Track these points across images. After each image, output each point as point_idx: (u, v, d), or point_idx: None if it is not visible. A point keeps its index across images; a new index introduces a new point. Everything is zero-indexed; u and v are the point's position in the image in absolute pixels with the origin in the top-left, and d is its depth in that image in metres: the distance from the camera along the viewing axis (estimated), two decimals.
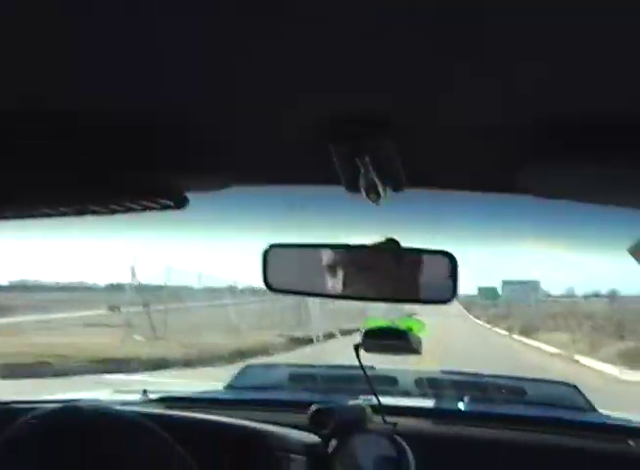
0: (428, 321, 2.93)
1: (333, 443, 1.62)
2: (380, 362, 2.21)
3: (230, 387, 2.43)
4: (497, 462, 1.74)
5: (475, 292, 37.03)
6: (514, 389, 2.36)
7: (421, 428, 1.86)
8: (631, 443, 1.78)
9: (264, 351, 12.90)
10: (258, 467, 1.62)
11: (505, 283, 34.68)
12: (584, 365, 14.86)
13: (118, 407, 1.82)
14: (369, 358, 1.72)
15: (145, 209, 1.24)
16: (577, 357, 15.88)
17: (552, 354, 17.12)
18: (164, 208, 1.25)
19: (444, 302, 1.31)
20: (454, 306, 34.18)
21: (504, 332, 25.75)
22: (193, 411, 1.92)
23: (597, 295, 42.47)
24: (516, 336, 23.85)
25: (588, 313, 27.57)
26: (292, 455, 1.60)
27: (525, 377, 2.57)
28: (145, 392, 2.22)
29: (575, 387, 2.37)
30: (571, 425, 1.95)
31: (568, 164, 0.98)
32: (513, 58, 0.73)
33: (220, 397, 2.23)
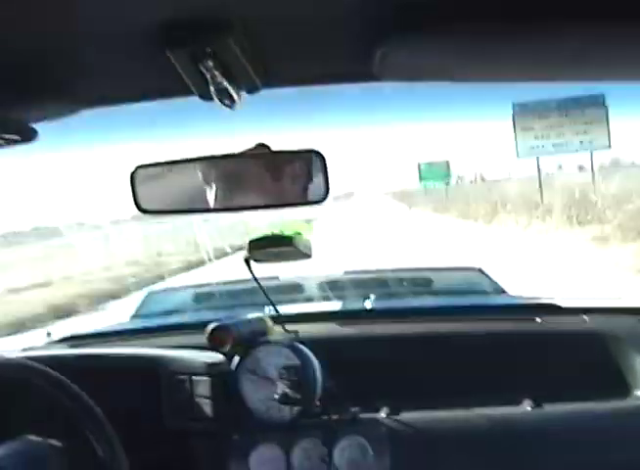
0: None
1: (236, 359, 1.61)
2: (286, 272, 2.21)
3: (135, 316, 2.40)
4: (407, 357, 1.75)
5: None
6: (419, 280, 2.40)
7: (325, 332, 1.87)
8: (539, 320, 1.83)
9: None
10: (163, 393, 1.61)
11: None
12: None
13: (19, 353, 1.77)
14: (275, 270, 1.71)
15: None
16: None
17: None
18: (12, 142, 1.16)
19: (319, 202, 1.28)
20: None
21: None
22: (97, 347, 1.89)
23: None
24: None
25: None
26: (195, 377, 1.60)
27: (429, 267, 2.61)
28: (49, 334, 2.16)
29: (480, 270, 2.42)
30: (478, 310, 1.98)
31: (424, 43, 0.95)
32: None
33: (120, 328, 2.19)
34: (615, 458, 1.54)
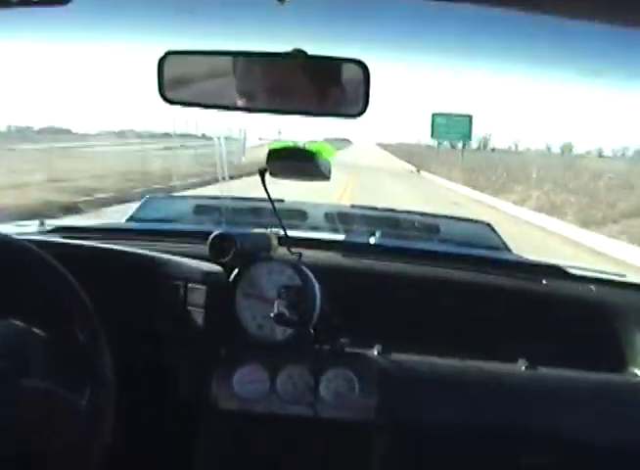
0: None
1: (235, 272, 1.57)
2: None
3: (131, 219, 2.34)
4: (407, 297, 1.72)
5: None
6: (427, 226, 2.36)
7: (329, 260, 1.83)
8: (545, 281, 1.80)
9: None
10: (156, 295, 1.56)
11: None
12: None
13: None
14: (278, 193, 1.64)
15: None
16: None
17: None
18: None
19: (355, 115, 1.22)
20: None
21: None
22: (91, 241, 1.83)
23: None
24: None
25: None
26: (190, 284, 1.55)
27: (439, 214, 2.56)
28: (42, 223, 2.10)
29: (490, 225, 2.38)
30: (484, 262, 1.94)
31: None
32: None
33: (117, 227, 2.13)
34: (602, 430, 1.52)
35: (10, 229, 2.05)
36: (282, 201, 2.19)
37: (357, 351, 1.56)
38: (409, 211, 2.53)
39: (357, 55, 1.20)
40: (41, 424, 1.16)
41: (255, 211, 2.12)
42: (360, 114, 1.21)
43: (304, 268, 1.55)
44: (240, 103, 1.26)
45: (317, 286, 1.54)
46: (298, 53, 1.24)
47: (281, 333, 1.52)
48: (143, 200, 2.47)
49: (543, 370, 1.57)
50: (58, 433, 1.17)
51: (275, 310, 1.49)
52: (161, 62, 1.28)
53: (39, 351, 1.25)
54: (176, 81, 1.28)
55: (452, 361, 1.57)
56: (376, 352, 1.56)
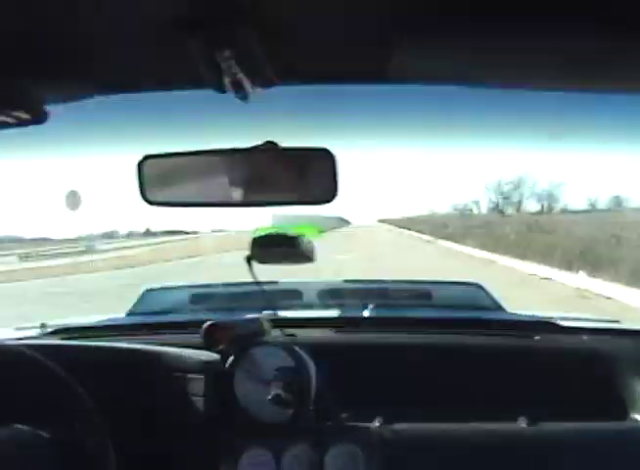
0: None
1: (231, 359, 1.60)
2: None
3: (131, 313, 2.38)
4: (404, 367, 1.73)
5: None
6: (418, 293, 2.38)
7: (323, 338, 1.85)
8: (537, 337, 1.82)
9: None
10: (156, 389, 1.59)
11: None
12: None
13: (13, 342, 1.75)
14: (274, 275, 1.68)
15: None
16: None
17: None
18: (22, 122, 1.15)
19: (327, 201, 1.27)
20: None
21: None
22: (90, 340, 1.87)
23: None
24: None
25: None
26: (189, 375, 1.58)
27: (429, 280, 2.59)
28: (43, 325, 2.14)
29: (480, 286, 2.40)
30: (477, 324, 1.96)
31: (442, 45, 0.95)
32: None
33: (115, 323, 2.17)
34: None
35: (10, 333, 2.09)
36: (275, 283, 2.23)
37: (359, 424, 1.57)
38: (400, 281, 2.56)
39: (336, 141, 1.26)
40: None
41: (249, 295, 2.16)
42: (331, 199, 1.26)
43: (297, 349, 1.58)
44: (218, 199, 1.32)
45: (312, 365, 1.57)
46: (269, 145, 1.30)
47: (281, 414, 1.54)
48: (141, 293, 2.51)
49: (544, 425, 1.58)
50: None
51: (272, 392, 1.52)
52: (140, 165, 1.34)
53: (45, 453, 1.28)
54: (155, 183, 1.33)
55: (454, 426, 1.58)
56: (377, 424, 1.57)
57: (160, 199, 1.35)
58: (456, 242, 25.57)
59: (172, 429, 1.58)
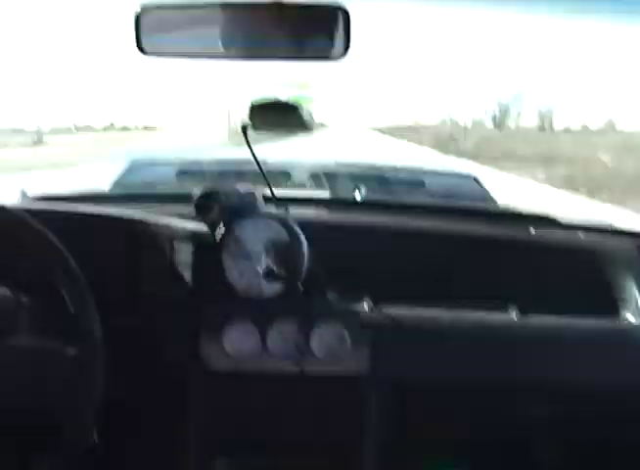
0: None
1: (221, 230, 1.55)
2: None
3: (116, 184, 2.33)
4: (394, 249, 1.71)
5: None
6: (412, 180, 2.35)
7: (315, 216, 1.82)
8: (533, 230, 1.80)
9: None
10: (142, 257, 1.55)
11: None
12: None
13: None
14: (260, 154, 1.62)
15: None
16: None
17: None
18: None
19: (336, 58, 1.20)
20: None
21: None
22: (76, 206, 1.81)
23: None
24: None
25: None
26: (176, 243, 1.54)
27: (423, 169, 2.55)
28: (25, 192, 2.08)
29: (476, 179, 2.37)
30: (471, 212, 1.93)
31: None
32: None
33: (102, 193, 2.11)
34: (597, 376, 1.54)
35: None
36: (265, 162, 2.18)
37: (347, 305, 1.56)
38: (394, 167, 2.52)
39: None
40: (31, 377, 1.17)
41: (239, 173, 2.10)
42: (342, 56, 1.19)
43: (291, 223, 1.54)
44: (217, 52, 1.25)
45: (304, 241, 1.53)
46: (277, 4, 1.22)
47: (269, 289, 1.51)
48: (127, 164, 2.44)
49: (535, 318, 1.57)
50: (49, 385, 1.19)
51: (263, 266, 1.49)
52: (138, 16, 1.26)
53: (26, 312, 1.26)
54: (153, 34, 1.26)
55: (442, 312, 1.57)
56: (366, 306, 1.56)
57: (156, 49, 1.28)
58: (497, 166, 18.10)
59: (157, 298, 1.55)
